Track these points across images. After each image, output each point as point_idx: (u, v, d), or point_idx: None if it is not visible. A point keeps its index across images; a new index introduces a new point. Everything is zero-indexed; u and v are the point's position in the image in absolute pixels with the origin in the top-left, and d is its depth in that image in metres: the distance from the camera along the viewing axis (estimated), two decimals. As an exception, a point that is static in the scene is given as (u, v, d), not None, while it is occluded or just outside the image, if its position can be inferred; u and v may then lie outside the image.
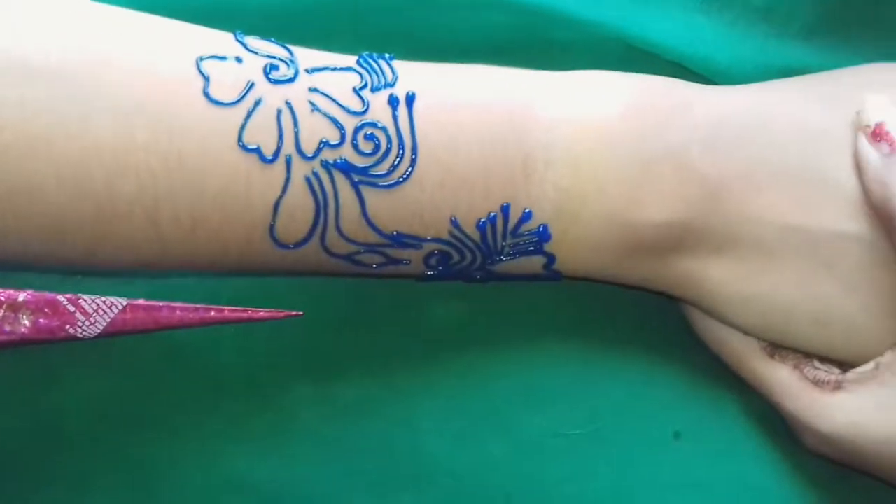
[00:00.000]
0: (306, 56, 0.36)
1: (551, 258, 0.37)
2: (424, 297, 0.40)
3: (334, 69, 0.36)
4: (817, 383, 0.37)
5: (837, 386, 0.37)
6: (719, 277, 0.37)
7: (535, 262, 0.38)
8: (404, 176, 0.35)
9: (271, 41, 0.36)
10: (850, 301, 0.37)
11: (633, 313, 0.41)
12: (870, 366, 0.37)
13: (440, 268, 0.37)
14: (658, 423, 0.40)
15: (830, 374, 0.37)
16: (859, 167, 0.36)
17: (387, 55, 0.37)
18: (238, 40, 0.36)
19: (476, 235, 0.36)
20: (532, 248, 0.37)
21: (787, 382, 0.38)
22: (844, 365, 0.37)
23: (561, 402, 0.40)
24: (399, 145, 0.35)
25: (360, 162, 0.35)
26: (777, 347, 0.38)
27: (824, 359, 0.38)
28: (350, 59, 0.36)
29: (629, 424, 0.40)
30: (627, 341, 0.41)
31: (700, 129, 0.36)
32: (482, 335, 0.40)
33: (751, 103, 0.37)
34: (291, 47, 0.36)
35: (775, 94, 0.38)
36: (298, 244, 0.35)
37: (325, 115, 0.35)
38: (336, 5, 0.41)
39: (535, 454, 0.39)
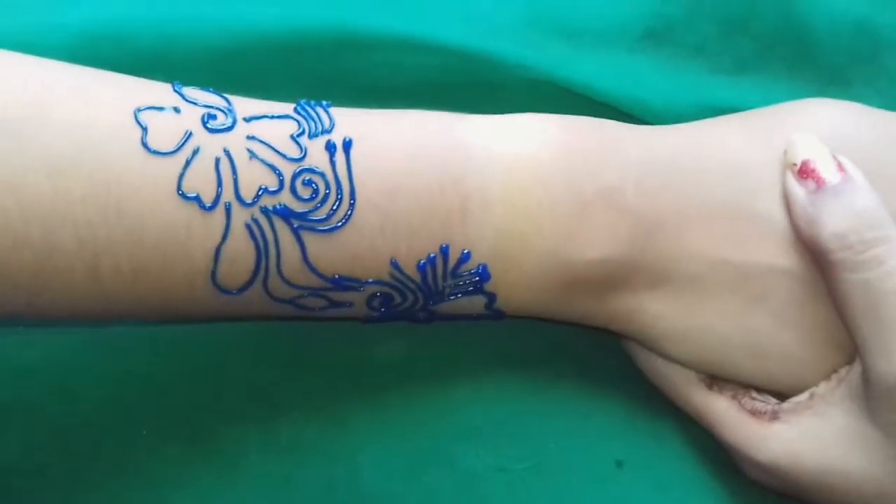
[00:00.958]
0: (244, 105, 0.36)
1: (492, 297, 0.38)
2: (367, 335, 0.41)
3: (272, 117, 0.36)
4: (755, 413, 0.38)
5: (774, 416, 0.38)
6: (655, 312, 0.38)
7: (476, 302, 0.38)
8: (343, 220, 0.36)
9: (209, 91, 0.37)
10: (783, 333, 0.37)
11: (574, 347, 0.42)
12: (804, 396, 0.37)
13: (383, 309, 0.38)
14: (600, 453, 0.40)
15: (767, 404, 0.38)
16: (788, 204, 0.37)
17: (324, 102, 0.37)
18: (176, 91, 0.36)
19: (417, 276, 0.37)
20: (472, 289, 0.38)
21: (725, 413, 0.39)
22: (782, 395, 0.38)
23: (504, 436, 0.40)
24: (337, 191, 0.36)
25: (299, 207, 0.35)
26: (715, 379, 0.39)
27: (762, 389, 0.39)
28: (287, 107, 0.37)
29: (572, 456, 0.40)
30: (569, 374, 0.42)
31: (632, 167, 0.37)
32: (425, 372, 0.41)
33: (682, 141, 0.38)
34: (229, 97, 0.37)
35: (707, 132, 0.39)
36: (241, 289, 0.36)
37: (264, 162, 0.35)
38: (272, 49, 0.42)
39: (479, 489, 0.40)
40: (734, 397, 0.39)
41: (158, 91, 0.36)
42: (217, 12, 0.42)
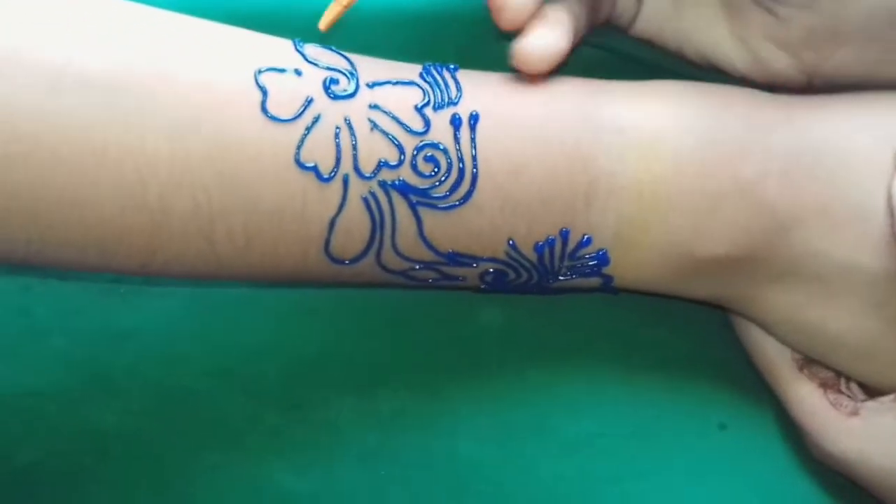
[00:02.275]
0: (367, 68, 0.35)
1: (608, 278, 0.37)
2: (467, 305, 0.40)
3: (396, 83, 0.34)
4: (836, 405, 0.37)
5: (854, 412, 0.37)
6: (775, 302, 0.37)
7: (591, 281, 0.37)
8: (463, 199, 0.34)
9: (332, 50, 0.35)
10: (894, 339, 0.36)
11: (674, 318, 0.40)
12: (891, 397, 0.36)
13: (495, 283, 0.37)
14: (703, 416, 0.40)
15: (852, 399, 0.37)
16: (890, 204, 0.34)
17: (451, 66, 0.36)
18: (298, 50, 0.34)
19: (533, 257, 0.36)
20: (589, 271, 0.36)
21: (807, 398, 0.38)
22: (870, 390, 0.37)
23: (603, 404, 0.40)
24: (459, 168, 0.34)
25: (418, 183, 0.34)
26: (809, 362, 0.38)
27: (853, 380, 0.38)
28: (413, 71, 0.35)
29: (674, 420, 0.40)
30: (669, 346, 0.41)
31: (777, 160, 0.35)
32: (524, 343, 0.40)
33: (830, 132, 0.36)
34: (352, 57, 0.35)
35: (857, 120, 0.36)
36: (354, 260, 0.35)
37: (385, 134, 0.34)
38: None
39: (580, 454, 0.39)
40: (822, 384, 0.38)
41: (279, 49, 0.34)
42: None
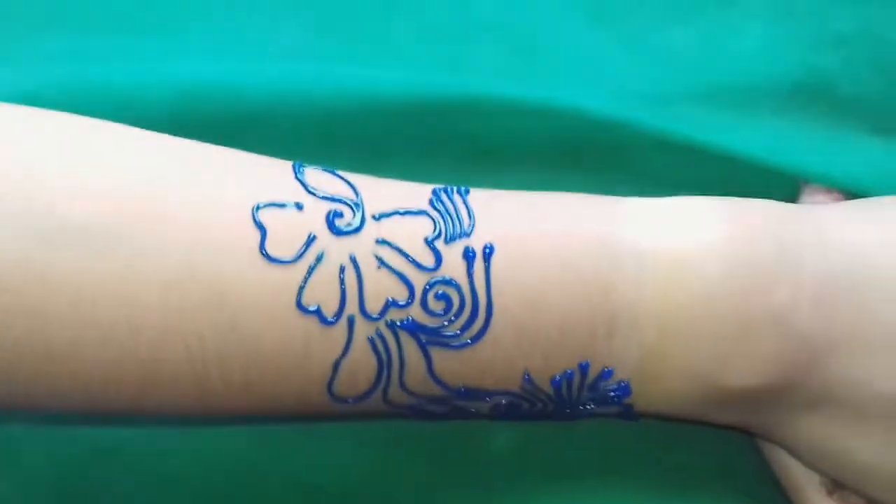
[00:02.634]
0: (373, 195, 0.32)
1: (628, 407, 0.35)
2: (477, 426, 0.37)
3: (404, 213, 0.32)
4: None
5: None
6: (804, 429, 0.35)
7: (610, 410, 0.35)
8: (476, 336, 0.32)
9: (334, 175, 0.32)
10: None
11: (699, 443, 0.38)
12: None
13: (508, 414, 0.35)
14: None
15: None
16: None
17: (461, 188, 0.33)
18: (298, 178, 0.32)
19: (550, 390, 0.33)
20: (609, 402, 0.34)
21: None
22: None
23: None
24: (473, 305, 0.32)
25: (429, 322, 0.32)
26: (838, 486, 0.36)
27: None
28: (422, 197, 0.33)
29: None
30: (692, 468, 0.38)
31: (810, 285, 0.33)
32: (538, 469, 0.38)
33: (866, 250, 0.34)
34: (356, 181, 0.32)
35: (889, 236, 0.34)
36: (358, 399, 0.33)
37: (394, 271, 0.31)
38: (387, 112, 0.37)
39: None
40: None
41: (278, 177, 0.32)
42: (331, 72, 0.38)
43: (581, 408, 0.34)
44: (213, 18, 0.40)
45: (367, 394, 0.32)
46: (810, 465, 0.36)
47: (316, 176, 0.32)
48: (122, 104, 0.37)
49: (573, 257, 0.32)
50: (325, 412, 0.33)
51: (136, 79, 0.37)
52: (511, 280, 0.32)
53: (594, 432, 0.38)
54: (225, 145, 0.34)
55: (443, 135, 0.37)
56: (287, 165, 0.32)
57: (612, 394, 0.34)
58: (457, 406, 0.34)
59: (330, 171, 0.33)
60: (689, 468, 0.38)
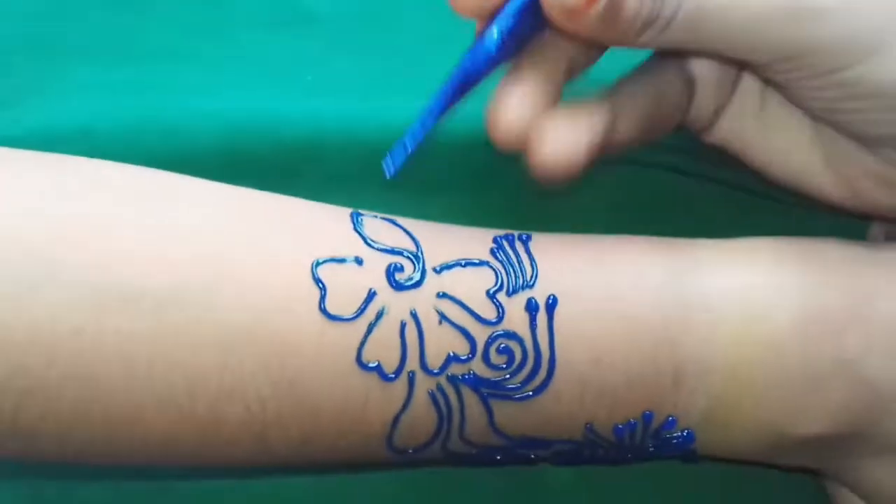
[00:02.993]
0: (433, 246, 0.31)
1: (692, 452, 0.34)
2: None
3: (466, 265, 0.31)
4: None
5: None
6: (876, 476, 0.34)
7: (672, 454, 0.34)
8: (539, 388, 0.31)
9: (395, 225, 0.31)
10: None
11: (765, 483, 0.38)
12: None
13: (568, 460, 0.34)
14: None
15: None
16: None
17: (523, 236, 0.32)
18: (357, 230, 0.31)
19: (612, 438, 0.33)
20: (671, 448, 0.33)
21: None
22: None
23: None
24: (536, 358, 0.31)
25: (491, 376, 0.31)
26: None
27: None
28: (484, 246, 0.32)
29: None
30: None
31: (879, 336, 0.32)
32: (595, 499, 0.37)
33: None
34: (415, 230, 0.31)
35: None
36: (417, 450, 0.32)
37: (455, 326, 0.30)
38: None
39: None
40: None
41: (336, 230, 0.31)
42: (376, 105, 0.37)
43: (643, 452, 0.34)
44: (250, 49, 0.39)
45: (427, 445, 0.32)
46: None
47: (375, 226, 0.31)
48: (169, 133, 0.36)
49: (641, 311, 0.31)
50: (383, 462, 0.33)
51: (185, 111, 0.36)
52: (575, 333, 0.31)
53: (653, 467, 0.37)
54: (275, 179, 0.33)
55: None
56: (345, 214, 0.31)
57: (676, 441, 0.33)
58: (516, 454, 0.33)
59: (389, 221, 0.32)
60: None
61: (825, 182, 0.35)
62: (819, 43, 0.30)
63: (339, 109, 0.37)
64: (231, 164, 0.34)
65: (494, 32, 0.30)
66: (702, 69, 0.35)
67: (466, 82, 0.31)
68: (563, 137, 0.31)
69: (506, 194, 0.37)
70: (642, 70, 0.34)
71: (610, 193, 0.38)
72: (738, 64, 0.34)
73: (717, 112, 0.36)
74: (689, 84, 0.35)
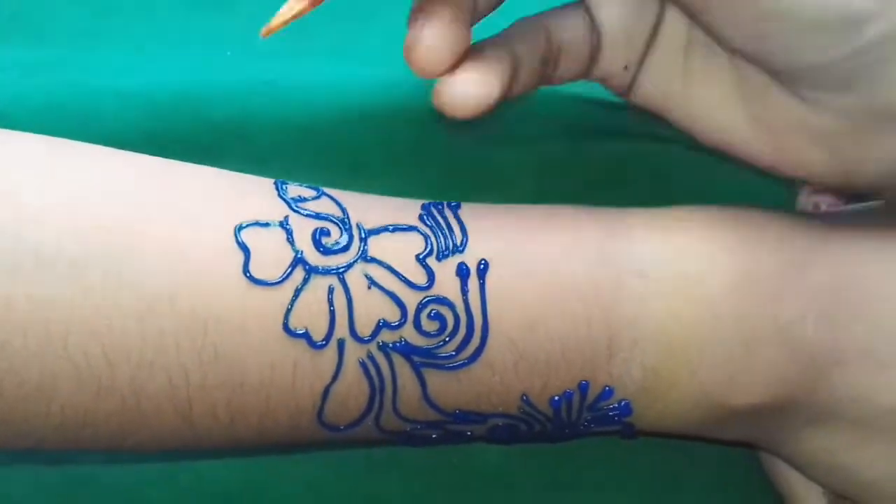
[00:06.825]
0: (360, 212, 0.31)
1: (629, 426, 0.33)
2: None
3: (394, 230, 0.30)
4: None
5: None
6: (809, 445, 0.34)
7: (610, 428, 0.34)
8: (472, 357, 0.30)
9: (319, 193, 0.31)
10: None
11: (696, 454, 0.37)
12: None
13: (504, 437, 0.33)
14: None
15: None
16: None
17: (453, 204, 0.32)
18: (281, 195, 0.30)
19: (549, 411, 0.32)
20: (609, 422, 0.33)
21: None
22: None
23: None
24: (468, 324, 0.30)
25: (423, 343, 0.30)
26: (840, 499, 0.35)
27: None
28: (412, 212, 0.31)
29: None
30: (689, 480, 0.38)
31: (816, 299, 0.32)
32: (524, 483, 0.37)
33: (872, 265, 0.32)
34: (341, 198, 0.31)
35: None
36: (349, 426, 0.31)
37: (385, 291, 0.30)
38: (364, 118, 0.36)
39: None
40: None
41: (260, 195, 0.30)
42: (294, 77, 0.36)
43: (580, 428, 0.33)
44: (171, 22, 0.38)
45: (359, 421, 0.31)
46: (813, 478, 0.35)
47: (299, 193, 0.31)
48: (88, 114, 0.35)
49: (573, 275, 0.31)
50: (314, 441, 0.32)
51: (102, 90, 0.35)
52: (507, 299, 0.30)
53: (588, 444, 0.36)
54: (199, 159, 0.33)
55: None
56: (269, 183, 0.31)
57: (613, 413, 0.32)
58: (451, 430, 0.32)
59: (314, 188, 0.31)
60: (687, 481, 0.37)
61: (751, 139, 0.33)
62: None
63: (262, 83, 0.36)
64: (153, 144, 0.33)
65: None
66: (610, 19, 0.34)
67: None
68: (472, 91, 0.30)
69: (442, 172, 0.36)
70: (544, 16, 0.33)
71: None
72: None
73: (630, 69, 0.35)
74: (596, 34, 0.34)
